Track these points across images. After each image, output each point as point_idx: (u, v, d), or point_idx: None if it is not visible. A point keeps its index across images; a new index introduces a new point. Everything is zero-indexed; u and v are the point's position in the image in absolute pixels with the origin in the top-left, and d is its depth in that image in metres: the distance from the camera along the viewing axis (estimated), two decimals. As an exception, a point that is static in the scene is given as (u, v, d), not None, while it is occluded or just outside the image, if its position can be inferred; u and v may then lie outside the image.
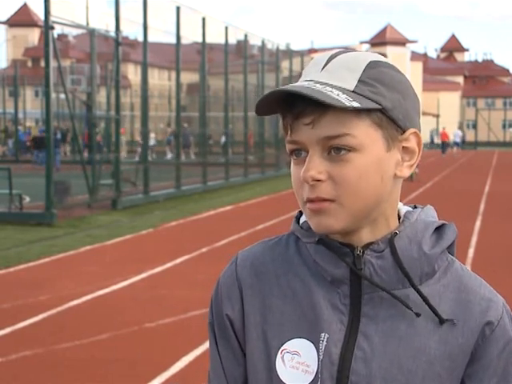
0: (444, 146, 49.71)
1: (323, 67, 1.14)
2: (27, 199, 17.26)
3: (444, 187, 22.51)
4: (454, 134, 54.97)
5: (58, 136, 33.28)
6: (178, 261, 10.00)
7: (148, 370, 5.63)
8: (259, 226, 13.19)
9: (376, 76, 1.12)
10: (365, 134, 1.11)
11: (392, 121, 1.13)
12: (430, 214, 1.21)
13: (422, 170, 27.63)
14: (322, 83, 1.11)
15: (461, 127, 71.86)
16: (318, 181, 1.11)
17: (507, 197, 19.39)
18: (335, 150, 1.10)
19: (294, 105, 1.11)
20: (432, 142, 65.16)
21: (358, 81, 1.11)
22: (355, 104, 1.08)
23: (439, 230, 1.19)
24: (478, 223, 13.97)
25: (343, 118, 1.10)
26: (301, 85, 1.10)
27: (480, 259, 10.05)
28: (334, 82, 1.11)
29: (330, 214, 1.11)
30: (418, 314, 1.14)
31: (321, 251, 1.17)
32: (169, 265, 9.71)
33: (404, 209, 1.22)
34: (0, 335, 6.55)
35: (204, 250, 10.81)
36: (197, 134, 29.22)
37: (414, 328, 1.15)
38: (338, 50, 1.17)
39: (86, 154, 20.47)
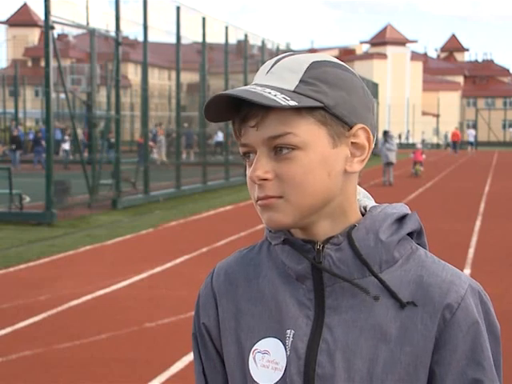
0: (455, 145, 50.66)
1: (269, 70, 1.17)
2: (27, 199, 17.26)
3: (444, 187, 22.49)
4: (468, 134, 55.61)
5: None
6: (178, 261, 10.00)
7: (148, 370, 5.63)
8: (259, 225, 13.18)
9: (318, 75, 1.14)
10: (308, 132, 1.13)
11: (337, 117, 1.14)
12: (397, 209, 1.22)
13: (424, 168, 27.67)
14: (262, 85, 1.14)
15: (461, 127, 71.87)
16: (265, 180, 1.14)
17: (507, 197, 19.38)
18: (280, 149, 1.13)
19: (240, 109, 1.14)
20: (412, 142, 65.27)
21: (300, 81, 1.14)
22: (292, 103, 1.10)
23: (401, 220, 1.20)
24: (477, 223, 13.96)
25: (285, 117, 1.12)
26: (241, 88, 1.13)
27: (480, 259, 10.05)
28: (274, 83, 1.14)
29: (277, 210, 1.15)
30: (376, 298, 1.15)
31: (286, 250, 1.21)
32: (169, 265, 9.71)
33: (371, 204, 1.23)
34: (0, 335, 6.55)
35: (204, 249, 10.81)
36: (197, 134, 29.21)
37: (374, 317, 1.16)
38: (285, 54, 1.20)
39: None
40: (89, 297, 7.90)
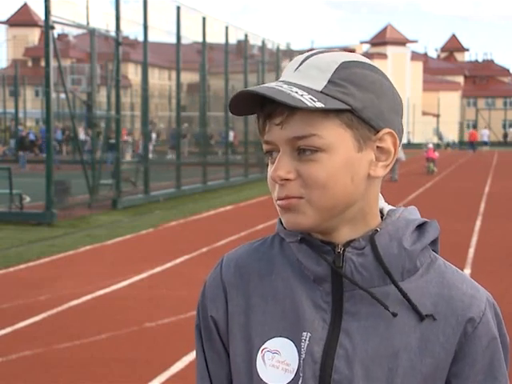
0: (473, 145, 51.66)
1: (297, 67, 1.14)
2: (27, 199, 17.26)
3: (444, 187, 22.49)
4: (482, 134, 56.60)
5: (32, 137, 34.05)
6: (178, 261, 10.00)
7: (148, 370, 5.63)
8: (259, 225, 13.19)
9: (347, 76, 1.12)
10: (333, 135, 1.11)
11: (363, 121, 1.12)
12: (413, 213, 1.21)
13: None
14: (290, 83, 1.11)
15: (461, 127, 71.88)
16: (287, 180, 1.12)
17: (507, 197, 19.38)
18: (303, 150, 1.11)
19: (266, 105, 1.12)
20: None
21: (328, 81, 1.11)
22: (318, 104, 1.08)
23: (421, 227, 1.19)
24: (478, 223, 13.96)
25: (311, 118, 1.10)
26: (268, 86, 1.10)
27: (480, 259, 10.05)
28: (302, 82, 1.11)
29: (298, 211, 1.12)
30: (394, 314, 1.13)
31: (303, 250, 1.18)
32: (169, 265, 9.71)
33: (387, 208, 1.22)
34: (0, 335, 6.55)
35: (204, 249, 10.81)
36: (197, 134, 29.20)
37: (395, 325, 1.14)
38: (316, 50, 1.17)
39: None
40: (89, 297, 7.90)
